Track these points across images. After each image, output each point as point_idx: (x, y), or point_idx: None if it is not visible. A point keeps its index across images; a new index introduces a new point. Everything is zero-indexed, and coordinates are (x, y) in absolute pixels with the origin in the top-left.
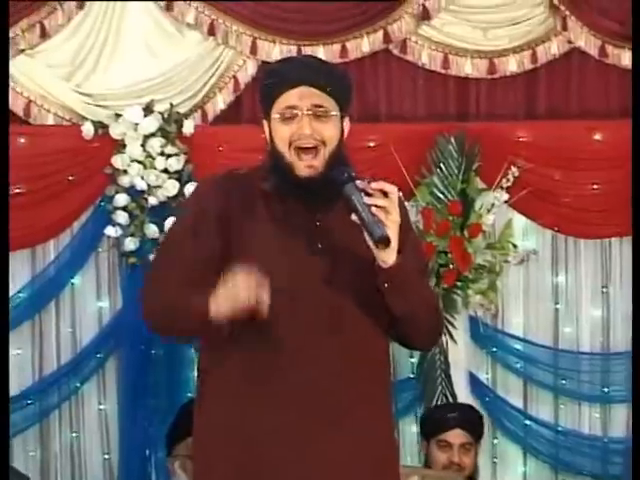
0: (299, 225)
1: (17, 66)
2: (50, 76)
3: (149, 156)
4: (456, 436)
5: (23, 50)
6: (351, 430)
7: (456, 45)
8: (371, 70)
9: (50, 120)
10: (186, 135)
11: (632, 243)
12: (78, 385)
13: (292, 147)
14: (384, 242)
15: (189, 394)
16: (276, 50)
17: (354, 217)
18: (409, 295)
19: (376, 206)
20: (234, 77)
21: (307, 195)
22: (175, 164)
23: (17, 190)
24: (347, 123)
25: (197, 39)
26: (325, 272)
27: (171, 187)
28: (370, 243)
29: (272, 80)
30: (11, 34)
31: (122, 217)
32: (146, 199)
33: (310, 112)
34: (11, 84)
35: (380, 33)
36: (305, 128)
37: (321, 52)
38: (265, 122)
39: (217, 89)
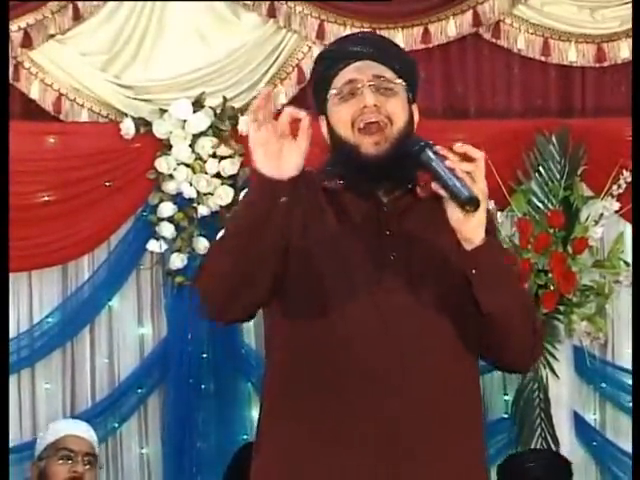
0: (366, 228)
1: (46, 53)
2: (84, 66)
3: (199, 158)
4: None
5: (53, 35)
6: (439, 476)
7: (558, 28)
8: (458, 57)
9: (84, 116)
10: (242, 134)
11: (632, 242)
12: (116, 425)
13: (355, 127)
14: (472, 204)
15: (245, 436)
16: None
17: (435, 186)
18: (499, 287)
19: (461, 171)
20: (298, 66)
21: (375, 180)
22: (229, 167)
23: (46, 198)
24: (416, 112)
25: (255, 22)
26: (400, 276)
27: (224, 194)
28: (453, 213)
29: (324, 64)
30: (39, 16)
31: (167, 229)
32: (195, 208)
33: (372, 83)
34: (40, 75)
35: (469, 14)
36: (367, 99)
37: (400, 36)
38: (322, 117)
39: (278, 80)
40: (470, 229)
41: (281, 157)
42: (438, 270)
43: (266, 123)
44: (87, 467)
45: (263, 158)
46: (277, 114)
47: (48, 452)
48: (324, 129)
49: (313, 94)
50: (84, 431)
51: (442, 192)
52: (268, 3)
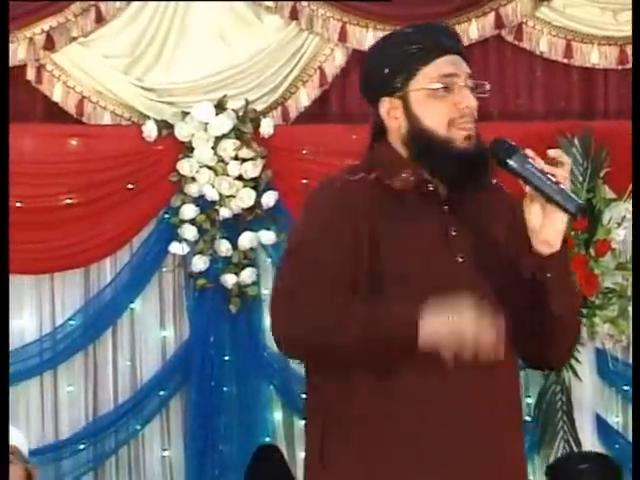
0: (432, 229)
1: (69, 56)
2: (107, 68)
3: (221, 161)
4: None
5: (76, 38)
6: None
7: (581, 30)
8: (480, 59)
9: (107, 119)
10: (264, 136)
11: (632, 242)
12: (138, 427)
13: (452, 125)
14: (582, 211)
15: (267, 438)
16: (369, 36)
17: (529, 189)
18: (568, 290)
19: (554, 176)
20: (320, 68)
21: (467, 173)
22: (251, 170)
23: (68, 200)
24: None
25: (277, 25)
26: (469, 277)
27: (246, 197)
28: (535, 217)
29: (409, 48)
30: (62, 19)
31: (190, 232)
32: (217, 211)
33: (468, 83)
34: (62, 77)
35: (491, 16)
36: (471, 101)
37: None
38: (385, 99)
39: (300, 83)
40: (554, 234)
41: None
42: (500, 272)
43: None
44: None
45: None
46: None
47: None
48: (383, 112)
49: (376, 73)
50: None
51: (540, 197)
52: (290, 5)
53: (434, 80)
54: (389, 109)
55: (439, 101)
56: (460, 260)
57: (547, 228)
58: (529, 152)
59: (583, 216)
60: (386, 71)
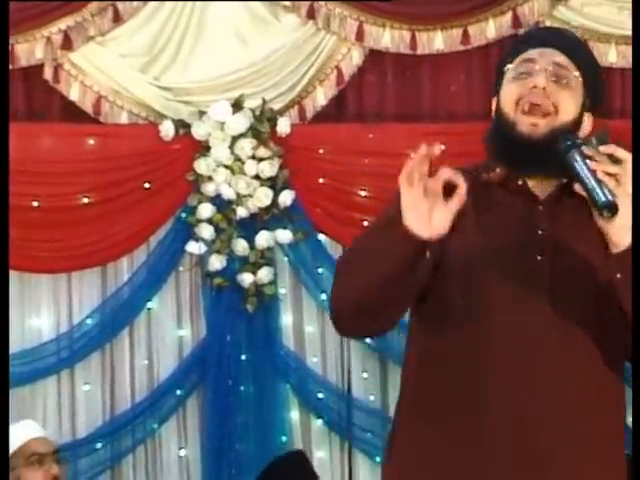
0: (518, 225)
1: (86, 56)
2: (124, 67)
3: (238, 160)
4: None
5: (93, 37)
6: None
7: (598, 29)
8: (498, 59)
9: (124, 118)
10: (281, 135)
11: (632, 244)
12: (155, 427)
13: (519, 106)
14: (610, 208)
15: (284, 437)
16: (386, 36)
17: (577, 187)
18: (632, 292)
19: (605, 173)
20: (337, 67)
21: (524, 162)
22: (268, 169)
23: (85, 200)
24: (590, 118)
25: (294, 23)
26: (544, 279)
27: (263, 196)
28: (597, 217)
29: (519, 39)
30: (79, 18)
31: (206, 231)
32: (234, 210)
33: (550, 68)
34: (79, 77)
35: (508, 15)
36: (538, 80)
37: (439, 38)
38: (495, 99)
39: (317, 82)
40: (615, 232)
41: (431, 218)
42: (583, 274)
43: (419, 183)
44: (59, 465)
45: (413, 218)
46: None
47: (17, 461)
48: (493, 105)
49: (496, 75)
50: (41, 431)
51: (584, 194)
52: (308, 5)
53: (516, 63)
54: (494, 102)
55: (514, 83)
56: (539, 259)
57: (609, 227)
58: (587, 149)
59: (610, 212)
60: (500, 66)
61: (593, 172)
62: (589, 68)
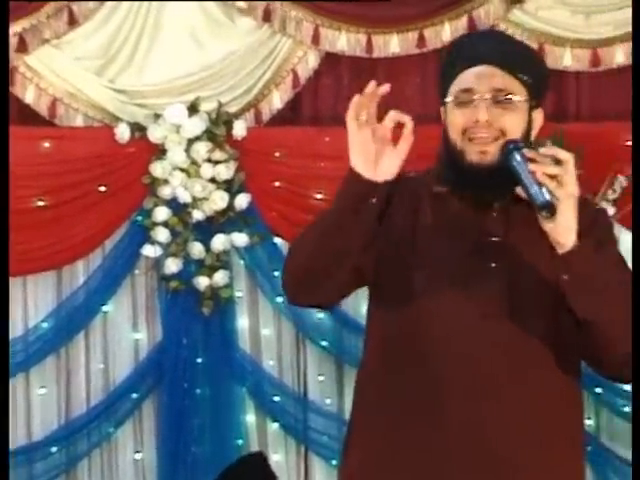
0: (467, 239)
1: (41, 58)
2: (79, 70)
3: (194, 163)
4: None
5: (48, 40)
6: None
7: (553, 33)
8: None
9: (79, 121)
10: (237, 139)
11: (632, 245)
12: (111, 430)
13: (465, 135)
14: (548, 209)
15: (240, 440)
16: (342, 39)
17: (519, 190)
18: (594, 293)
19: (545, 174)
20: (293, 71)
21: (477, 187)
22: (224, 172)
23: (40, 203)
24: (540, 115)
25: (250, 27)
26: (498, 285)
27: (219, 199)
28: (541, 221)
29: (450, 57)
30: (34, 21)
31: (162, 234)
32: (190, 213)
33: (489, 97)
34: (35, 79)
35: (464, 19)
36: (481, 114)
37: (395, 41)
38: (442, 109)
39: (273, 85)
40: (559, 233)
41: (379, 161)
42: (538, 280)
43: (368, 125)
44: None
45: (360, 159)
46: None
47: None
48: (442, 118)
49: (438, 85)
50: None
51: (526, 196)
52: (263, 8)
53: (455, 94)
54: (442, 117)
55: (457, 112)
56: (493, 266)
57: (552, 228)
58: (528, 152)
59: (548, 212)
60: (440, 79)
61: (533, 174)
62: (531, 73)
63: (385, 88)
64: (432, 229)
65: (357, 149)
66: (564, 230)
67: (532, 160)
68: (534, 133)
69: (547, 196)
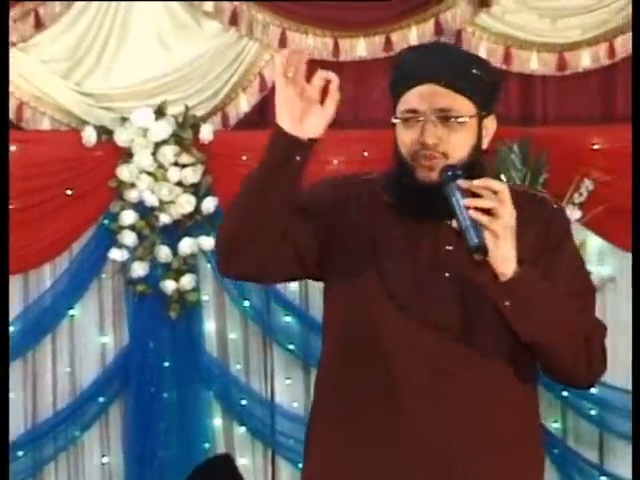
0: (419, 249)
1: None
2: (45, 73)
3: (160, 166)
4: None
5: (14, 43)
6: None
7: (520, 37)
8: None
9: (45, 124)
10: (204, 142)
11: (632, 250)
12: (77, 434)
13: (414, 154)
14: (480, 251)
15: (207, 444)
16: (309, 42)
17: (455, 224)
18: (536, 318)
19: (478, 208)
20: (260, 74)
21: (428, 205)
22: (191, 176)
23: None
24: (492, 122)
25: (216, 30)
26: (452, 296)
27: (186, 203)
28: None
29: (395, 74)
30: None
31: (129, 238)
32: (157, 217)
33: (434, 118)
34: None
35: (431, 22)
36: (427, 137)
37: (362, 45)
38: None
39: (240, 88)
40: (498, 263)
41: (305, 118)
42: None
43: (295, 82)
44: None
45: (285, 115)
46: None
47: None
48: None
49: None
50: None
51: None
52: (230, 11)
53: (400, 114)
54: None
55: (405, 130)
56: (447, 275)
57: (494, 258)
58: (463, 182)
59: (480, 255)
60: (390, 94)
61: (467, 209)
62: (477, 85)
63: (305, 53)
64: (387, 235)
65: (283, 105)
66: (503, 260)
67: (467, 191)
68: (487, 140)
69: (476, 240)
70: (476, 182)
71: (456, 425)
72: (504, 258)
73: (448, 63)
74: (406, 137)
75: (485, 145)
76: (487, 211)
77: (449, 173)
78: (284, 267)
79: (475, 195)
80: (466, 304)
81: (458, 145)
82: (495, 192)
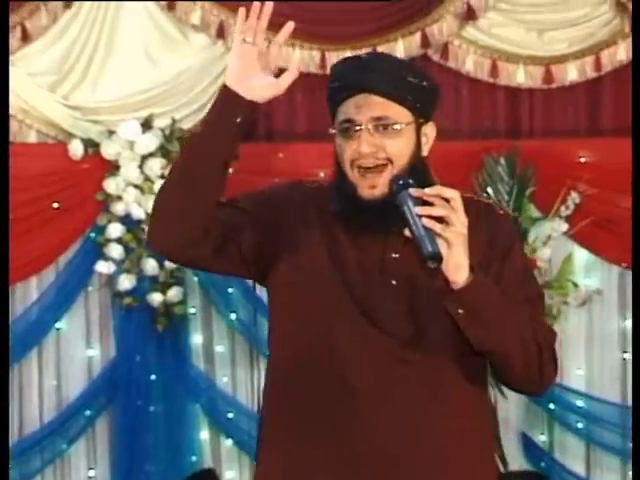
0: (366, 257)
1: None
2: (32, 86)
3: (147, 179)
4: None
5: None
6: None
7: (506, 50)
8: None
9: (32, 137)
10: None
11: (632, 249)
12: (64, 447)
13: (354, 167)
14: (434, 259)
15: (194, 457)
16: (296, 56)
17: (407, 232)
18: (489, 325)
19: (431, 217)
20: None
21: (372, 220)
22: None
23: None
24: (432, 129)
25: (203, 43)
26: (400, 303)
27: None
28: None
29: (331, 85)
30: None
31: (116, 251)
32: (144, 229)
33: (370, 126)
34: None
35: (417, 35)
36: (363, 146)
37: None
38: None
39: None
40: (451, 272)
41: (254, 80)
42: (441, 295)
43: (254, 44)
44: None
45: (234, 72)
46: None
47: None
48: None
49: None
50: None
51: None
52: (217, 24)
53: (338, 124)
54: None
55: (343, 143)
56: (394, 283)
57: (446, 267)
58: (415, 191)
59: (434, 262)
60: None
61: (420, 218)
62: (413, 93)
63: (269, 8)
64: (334, 242)
65: (234, 62)
66: (456, 268)
67: (418, 200)
68: (427, 148)
69: (430, 247)
70: (428, 190)
71: (405, 429)
72: (457, 266)
73: (383, 72)
74: (344, 149)
75: (425, 152)
76: (439, 219)
77: (400, 182)
78: (221, 257)
79: (426, 203)
80: (414, 311)
81: (397, 152)
82: (447, 200)
